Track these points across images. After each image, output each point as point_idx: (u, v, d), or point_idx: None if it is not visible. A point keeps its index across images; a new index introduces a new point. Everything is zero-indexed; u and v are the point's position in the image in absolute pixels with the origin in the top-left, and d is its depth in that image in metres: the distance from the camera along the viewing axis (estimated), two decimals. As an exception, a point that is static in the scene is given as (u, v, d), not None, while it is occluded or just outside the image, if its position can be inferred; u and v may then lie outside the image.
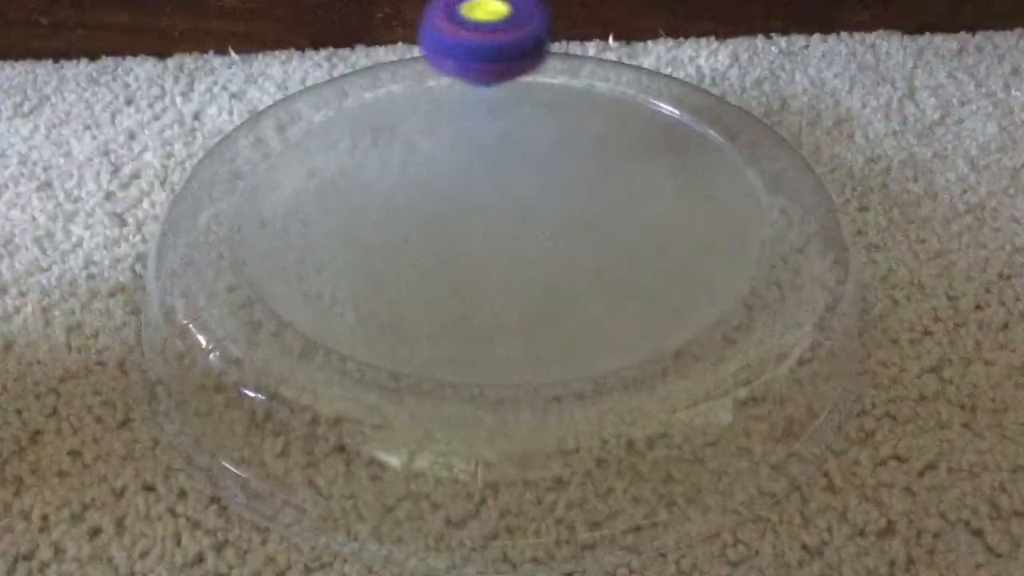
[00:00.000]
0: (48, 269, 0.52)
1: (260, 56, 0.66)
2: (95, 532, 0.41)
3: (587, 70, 0.57)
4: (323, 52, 0.66)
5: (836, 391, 0.45)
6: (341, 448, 0.41)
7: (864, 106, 0.62)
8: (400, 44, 0.67)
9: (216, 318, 0.44)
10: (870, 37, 0.68)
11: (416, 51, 0.66)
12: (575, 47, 0.67)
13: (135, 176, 0.57)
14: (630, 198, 0.50)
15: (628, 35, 0.67)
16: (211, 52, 0.66)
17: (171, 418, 0.45)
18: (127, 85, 0.64)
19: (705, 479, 0.42)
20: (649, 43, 0.67)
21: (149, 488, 0.43)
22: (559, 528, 0.40)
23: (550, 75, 0.57)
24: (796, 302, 0.45)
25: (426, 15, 0.49)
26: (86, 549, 0.41)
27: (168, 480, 0.43)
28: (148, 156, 0.58)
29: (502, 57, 0.48)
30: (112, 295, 0.50)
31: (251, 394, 0.42)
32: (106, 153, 0.59)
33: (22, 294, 0.51)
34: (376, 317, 0.45)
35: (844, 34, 0.68)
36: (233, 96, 0.63)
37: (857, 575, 0.40)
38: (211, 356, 0.43)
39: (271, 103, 0.58)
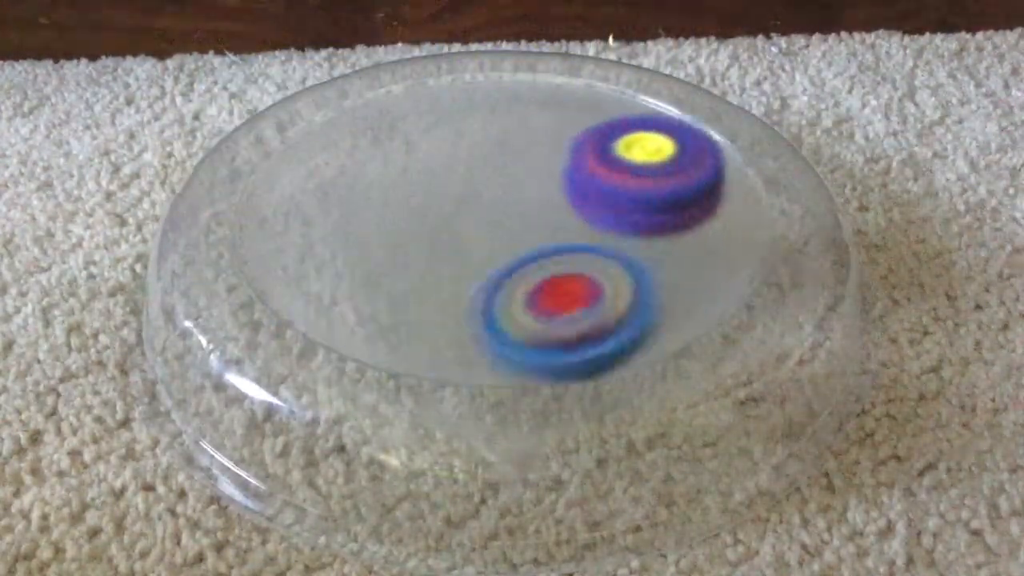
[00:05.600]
0: (48, 269, 0.52)
1: (260, 56, 0.66)
2: (95, 532, 0.41)
3: (587, 70, 0.56)
4: (323, 52, 0.66)
5: (836, 391, 0.45)
6: (341, 448, 0.41)
7: (864, 106, 0.62)
8: (400, 44, 0.67)
9: (216, 318, 0.44)
10: (870, 37, 0.68)
11: (416, 51, 0.66)
12: (575, 47, 0.67)
13: (135, 176, 0.57)
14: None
15: (628, 35, 0.67)
16: (211, 52, 0.66)
17: (171, 418, 0.45)
18: (127, 85, 0.64)
19: (705, 479, 0.42)
20: (649, 43, 0.67)
21: (149, 488, 0.43)
22: (559, 528, 0.40)
23: (550, 75, 0.57)
24: (796, 302, 0.45)
25: (572, 155, 0.42)
26: (86, 549, 0.41)
27: (168, 480, 0.43)
28: (148, 156, 0.58)
29: (670, 207, 0.41)
30: (112, 295, 0.50)
31: (251, 394, 0.42)
32: (106, 153, 0.59)
33: (22, 294, 0.51)
34: (376, 317, 0.45)
35: (844, 34, 0.68)
36: (233, 96, 0.63)
37: (856, 575, 0.40)
38: (211, 356, 0.43)
39: (271, 103, 0.58)
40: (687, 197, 0.41)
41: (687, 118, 0.47)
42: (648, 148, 0.42)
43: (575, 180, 0.42)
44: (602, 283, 0.40)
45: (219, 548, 0.41)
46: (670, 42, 0.67)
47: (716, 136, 0.51)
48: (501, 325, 0.39)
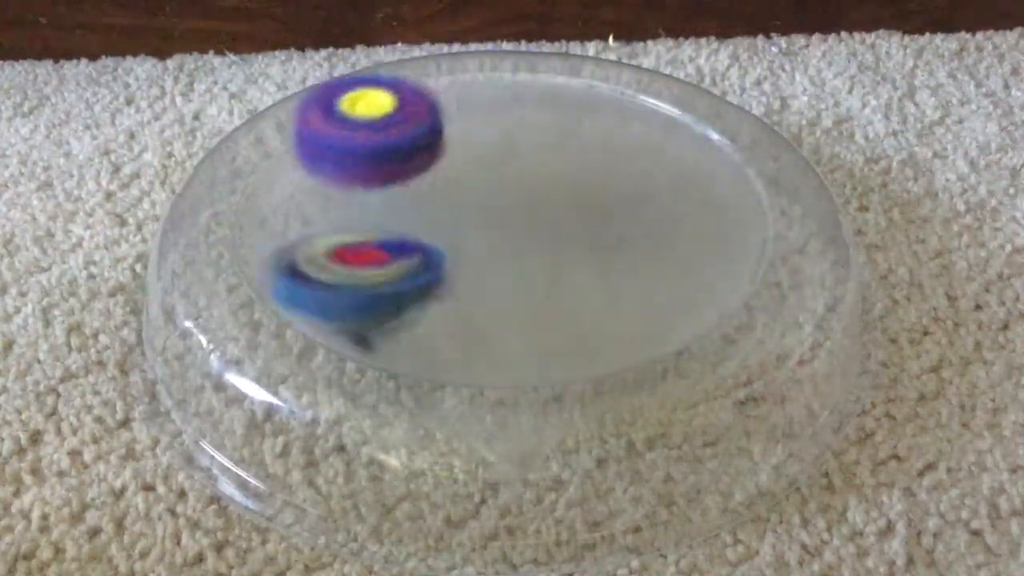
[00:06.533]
0: (48, 269, 0.52)
1: (260, 56, 0.66)
2: (95, 532, 0.41)
3: (587, 70, 0.56)
4: (323, 52, 0.66)
5: (836, 391, 0.45)
6: (341, 448, 0.41)
7: (864, 106, 0.62)
8: (400, 44, 0.67)
9: (216, 318, 0.44)
10: (870, 37, 0.68)
11: (416, 51, 0.66)
12: (575, 47, 0.67)
13: (135, 176, 0.57)
14: (630, 198, 0.50)
15: (628, 35, 0.67)
16: (211, 52, 0.66)
17: (171, 418, 0.45)
18: (127, 85, 0.64)
19: (705, 479, 0.42)
20: (649, 43, 0.67)
21: (149, 488, 0.43)
22: (559, 528, 0.40)
23: (550, 75, 0.57)
24: (796, 302, 0.45)
25: (297, 112, 0.44)
26: (86, 549, 0.41)
27: (168, 480, 0.43)
28: (148, 156, 0.58)
29: (388, 159, 0.44)
30: (112, 295, 0.50)
31: (251, 394, 0.42)
32: (106, 153, 0.59)
33: (22, 294, 0.51)
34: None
35: (844, 34, 0.68)
36: (233, 96, 0.63)
37: (856, 575, 0.40)
38: (211, 356, 0.43)
39: (271, 103, 0.58)
40: (404, 149, 0.44)
41: (408, 77, 0.49)
42: (371, 104, 0.45)
43: (304, 138, 0.45)
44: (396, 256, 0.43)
45: (219, 548, 0.41)
46: (670, 42, 0.67)
47: (699, 129, 0.52)
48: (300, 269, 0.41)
